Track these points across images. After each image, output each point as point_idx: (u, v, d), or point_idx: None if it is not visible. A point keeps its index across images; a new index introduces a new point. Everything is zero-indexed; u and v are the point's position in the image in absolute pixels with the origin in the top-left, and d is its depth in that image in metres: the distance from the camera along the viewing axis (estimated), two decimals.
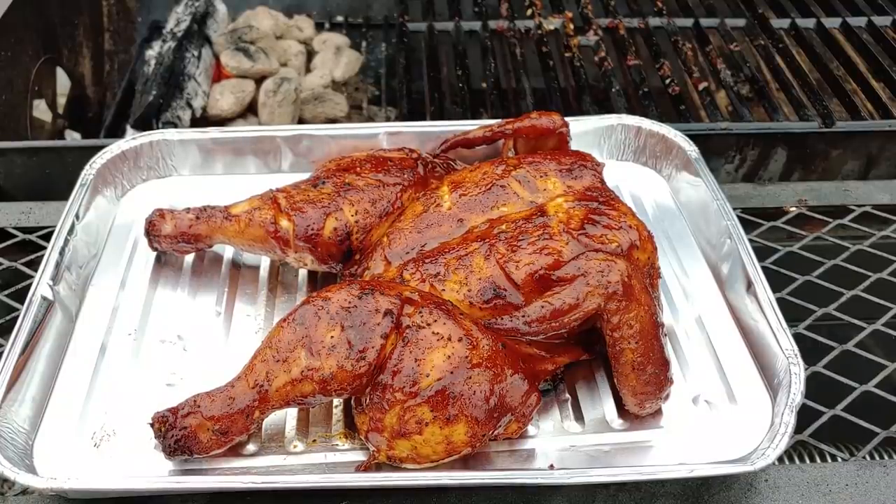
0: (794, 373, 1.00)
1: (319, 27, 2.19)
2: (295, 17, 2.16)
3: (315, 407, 1.03)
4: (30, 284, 1.11)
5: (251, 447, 0.99)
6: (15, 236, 1.34)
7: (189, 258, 1.24)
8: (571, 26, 2.06)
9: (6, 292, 1.23)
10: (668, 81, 1.84)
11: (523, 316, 0.99)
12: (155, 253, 1.24)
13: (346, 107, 1.91)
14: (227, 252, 1.26)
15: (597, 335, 1.02)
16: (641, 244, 1.08)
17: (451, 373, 0.92)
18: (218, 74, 1.90)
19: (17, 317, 1.07)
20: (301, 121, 1.85)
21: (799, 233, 1.38)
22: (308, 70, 2.03)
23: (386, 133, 1.37)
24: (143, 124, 1.65)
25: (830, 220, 1.40)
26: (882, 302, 1.25)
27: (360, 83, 2.08)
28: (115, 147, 1.33)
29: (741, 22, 2.07)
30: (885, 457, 1.20)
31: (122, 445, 0.99)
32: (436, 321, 0.95)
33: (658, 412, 1.04)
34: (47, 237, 1.24)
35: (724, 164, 1.64)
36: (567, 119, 1.30)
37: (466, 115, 1.73)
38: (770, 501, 0.98)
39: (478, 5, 2.13)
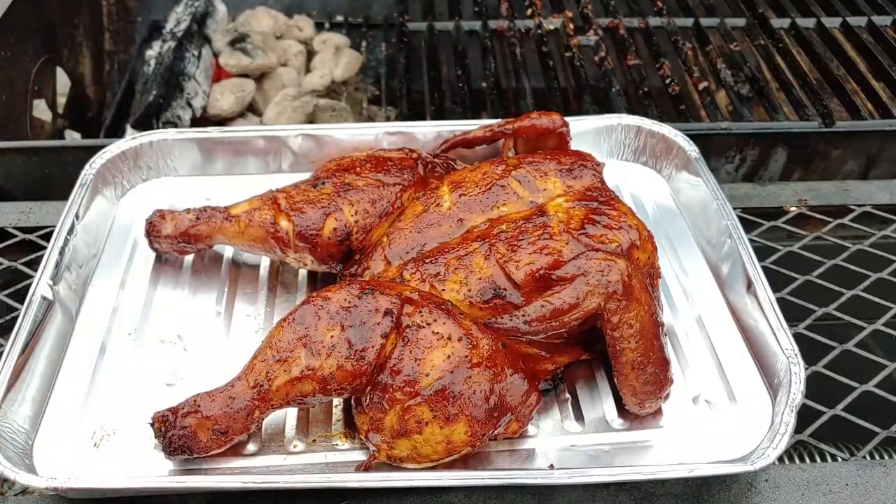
0: (795, 372, 1.00)
1: (319, 27, 2.19)
2: (295, 16, 2.16)
3: (315, 407, 1.03)
4: (30, 284, 1.11)
5: (251, 447, 0.99)
6: (15, 236, 1.33)
7: (189, 258, 1.24)
8: (571, 26, 2.06)
9: (6, 292, 1.23)
10: (668, 81, 1.84)
11: (523, 315, 0.99)
12: (155, 253, 1.24)
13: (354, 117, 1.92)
14: (227, 252, 1.25)
15: (597, 335, 1.02)
16: (641, 244, 1.08)
17: (451, 372, 0.92)
18: (218, 74, 1.91)
19: (17, 317, 1.07)
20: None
21: (799, 233, 1.38)
22: (308, 70, 2.03)
23: (386, 133, 1.37)
24: (143, 124, 1.64)
25: (830, 219, 1.40)
26: (882, 302, 1.25)
27: (360, 83, 2.08)
28: (115, 147, 1.33)
29: (741, 22, 2.07)
30: (885, 457, 1.20)
31: (122, 445, 0.99)
32: (436, 321, 0.95)
33: (658, 412, 1.04)
34: (47, 237, 1.24)
35: (724, 164, 1.64)
36: (567, 119, 1.30)
37: (466, 115, 1.73)
38: (770, 501, 0.98)
39: (478, 5, 2.13)
